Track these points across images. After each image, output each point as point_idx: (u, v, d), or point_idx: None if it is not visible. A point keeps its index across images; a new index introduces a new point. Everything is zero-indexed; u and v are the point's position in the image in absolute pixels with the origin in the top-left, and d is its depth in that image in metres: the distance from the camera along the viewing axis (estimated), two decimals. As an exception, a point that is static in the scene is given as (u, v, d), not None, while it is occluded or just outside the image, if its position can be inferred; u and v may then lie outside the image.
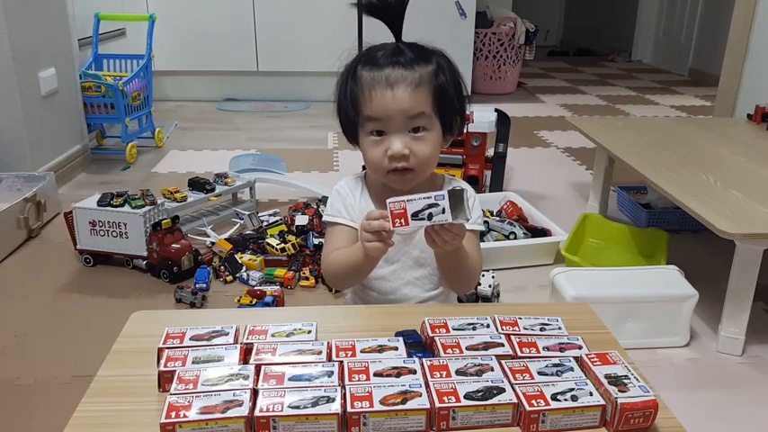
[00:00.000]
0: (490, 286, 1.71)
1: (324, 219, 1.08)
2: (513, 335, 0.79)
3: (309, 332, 0.79)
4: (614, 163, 2.28)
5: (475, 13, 4.13)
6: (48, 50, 2.60)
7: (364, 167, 1.07)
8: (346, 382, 0.68)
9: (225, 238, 2.08)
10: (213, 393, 0.66)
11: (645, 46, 6.39)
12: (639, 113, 4.11)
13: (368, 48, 1.00)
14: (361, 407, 0.64)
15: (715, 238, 1.49)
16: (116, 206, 1.90)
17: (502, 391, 0.68)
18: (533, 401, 0.66)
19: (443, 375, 0.70)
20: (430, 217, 0.83)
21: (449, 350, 0.75)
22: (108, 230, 1.91)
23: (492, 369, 0.71)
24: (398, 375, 0.69)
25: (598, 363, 0.72)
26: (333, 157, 3.14)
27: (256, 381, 0.68)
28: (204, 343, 0.76)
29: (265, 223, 2.21)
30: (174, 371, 0.70)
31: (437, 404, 0.66)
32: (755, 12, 2.76)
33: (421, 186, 1.00)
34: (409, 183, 0.99)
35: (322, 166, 2.98)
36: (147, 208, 1.90)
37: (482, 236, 2.06)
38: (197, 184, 2.26)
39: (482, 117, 2.43)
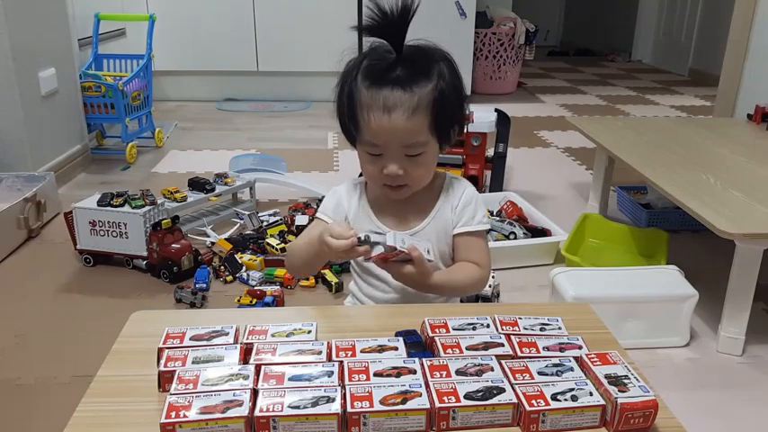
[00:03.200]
0: (490, 286, 1.71)
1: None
2: (513, 335, 0.79)
3: (309, 332, 0.79)
4: (614, 163, 2.28)
5: (475, 13, 4.13)
6: (48, 50, 2.60)
7: None
8: (346, 382, 0.68)
9: (225, 238, 2.08)
10: (213, 393, 0.66)
11: (645, 46, 6.39)
12: (639, 113, 4.11)
13: (370, 48, 0.98)
14: (361, 407, 0.64)
15: (715, 238, 1.49)
16: (116, 206, 1.90)
17: (502, 391, 0.68)
18: (533, 401, 0.66)
19: (443, 375, 0.70)
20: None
21: (449, 350, 0.75)
22: (108, 230, 1.91)
23: (492, 369, 0.71)
24: (398, 375, 0.69)
25: (598, 363, 0.72)
26: (333, 157, 3.14)
27: (256, 381, 0.68)
28: (204, 343, 0.76)
29: (265, 223, 2.21)
30: (174, 371, 0.70)
31: (437, 404, 0.66)
32: (755, 12, 2.76)
33: (428, 187, 1.03)
34: (404, 195, 1.01)
35: (322, 166, 2.98)
36: (147, 208, 1.90)
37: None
38: (197, 184, 2.26)
39: (482, 117, 2.42)
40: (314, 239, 0.98)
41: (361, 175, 1.08)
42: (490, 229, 2.08)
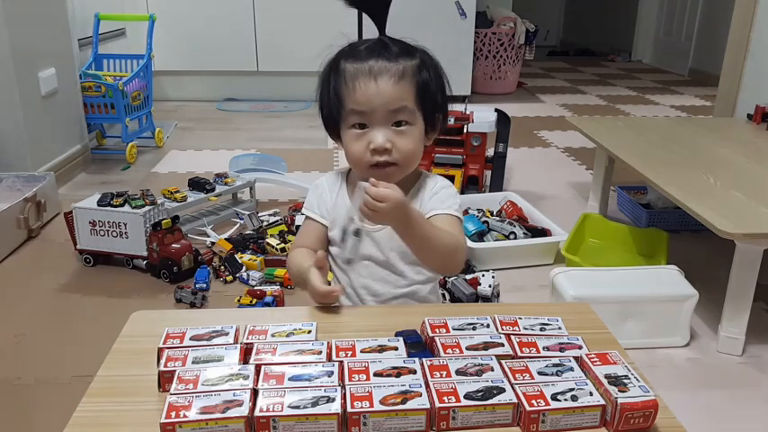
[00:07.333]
0: (490, 286, 1.71)
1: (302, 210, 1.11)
2: (513, 335, 0.79)
3: (309, 332, 0.79)
4: (614, 163, 2.28)
5: (475, 13, 4.13)
6: (48, 50, 2.60)
7: None
8: (346, 382, 0.68)
9: (225, 238, 2.08)
10: (213, 393, 0.66)
11: (645, 46, 6.39)
12: (639, 113, 4.11)
13: (349, 43, 1.00)
14: (361, 407, 0.64)
15: (715, 238, 1.49)
16: (116, 206, 1.90)
17: (502, 391, 0.68)
18: (533, 401, 0.66)
19: (443, 375, 0.70)
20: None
21: (449, 350, 0.75)
22: (108, 230, 1.91)
23: (492, 369, 0.71)
24: (398, 375, 0.69)
25: (598, 363, 0.72)
26: (333, 157, 3.14)
27: (256, 381, 0.68)
28: (204, 343, 0.76)
29: (265, 223, 2.21)
30: (174, 371, 0.70)
31: (437, 404, 0.65)
32: (755, 12, 2.76)
33: (402, 183, 0.98)
34: (392, 177, 0.97)
35: (322, 166, 2.98)
36: (147, 208, 1.90)
37: (482, 236, 2.06)
38: (197, 184, 2.26)
39: (482, 117, 2.42)
40: (304, 271, 0.96)
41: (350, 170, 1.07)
42: (485, 232, 2.07)
